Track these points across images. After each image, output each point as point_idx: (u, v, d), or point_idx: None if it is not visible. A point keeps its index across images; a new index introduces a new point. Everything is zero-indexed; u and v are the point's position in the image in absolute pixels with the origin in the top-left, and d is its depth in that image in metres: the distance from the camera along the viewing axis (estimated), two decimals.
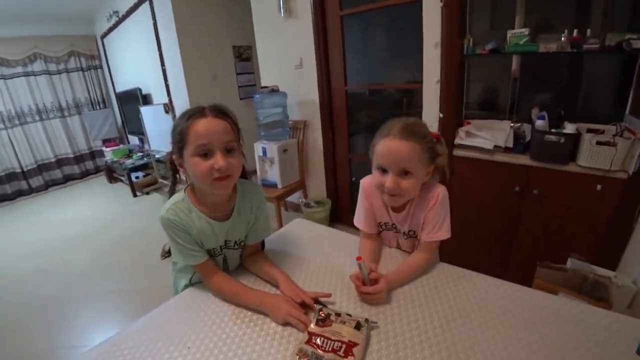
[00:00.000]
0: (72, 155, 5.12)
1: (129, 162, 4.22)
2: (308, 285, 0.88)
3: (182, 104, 3.63)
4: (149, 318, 0.84)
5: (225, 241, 0.93)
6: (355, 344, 0.63)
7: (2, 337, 1.95)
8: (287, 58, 2.55)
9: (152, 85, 4.14)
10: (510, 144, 1.62)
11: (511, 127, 1.67)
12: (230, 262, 0.99)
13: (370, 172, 0.94)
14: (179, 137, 0.79)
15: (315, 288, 0.87)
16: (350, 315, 0.70)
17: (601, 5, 1.55)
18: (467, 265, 0.93)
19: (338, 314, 0.70)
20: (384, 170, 0.85)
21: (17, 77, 4.53)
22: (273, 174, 2.61)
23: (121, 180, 4.71)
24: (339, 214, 2.73)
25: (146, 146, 4.23)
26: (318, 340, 0.64)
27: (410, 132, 0.82)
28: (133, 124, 4.57)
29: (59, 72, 4.86)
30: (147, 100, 4.25)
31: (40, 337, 1.92)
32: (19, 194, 4.70)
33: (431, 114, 1.81)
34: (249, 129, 2.83)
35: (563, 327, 0.69)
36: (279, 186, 2.60)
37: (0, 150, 4.49)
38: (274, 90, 2.54)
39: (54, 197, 4.67)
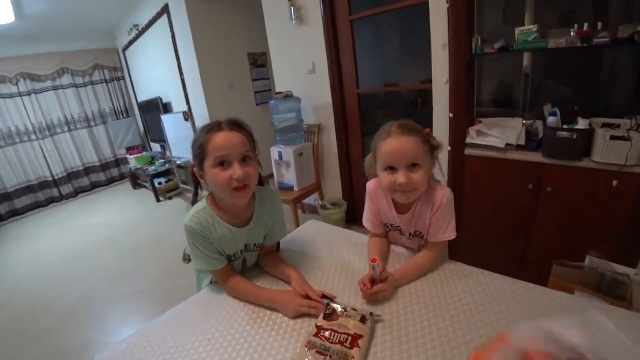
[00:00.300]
0: (98, 163, 5.38)
1: (151, 169, 4.39)
2: (318, 284, 0.93)
3: (200, 111, 3.76)
4: (172, 313, 0.91)
5: (245, 245, 0.99)
6: (360, 336, 0.67)
7: (43, 334, 2.10)
8: (300, 63, 2.61)
9: (171, 94, 4.29)
10: (522, 142, 1.61)
11: (523, 124, 1.66)
12: (248, 262, 1.05)
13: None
14: (199, 151, 0.85)
15: (325, 286, 0.91)
16: (355, 309, 0.74)
17: None
18: (482, 263, 0.95)
19: (344, 309, 0.74)
20: (392, 169, 0.87)
21: (47, 91, 4.81)
22: (289, 177, 2.67)
23: (145, 186, 4.90)
24: (355, 215, 2.76)
25: (167, 153, 4.39)
26: (326, 333, 0.69)
27: (408, 128, 0.86)
28: (154, 132, 4.75)
29: (84, 85, 5.12)
30: (167, 108, 4.41)
31: (75, 333, 2.06)
32: (50, 201, 4.98)
33: (441, 114, 1.82)
34: (266, 134, 2.92)
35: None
36: (295, 189, 2.65)
37: (33, 160, 4.78)
38: (288, 96, 2.60)
39: (83, 203, 4.91)
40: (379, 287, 0.81)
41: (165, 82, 4.28)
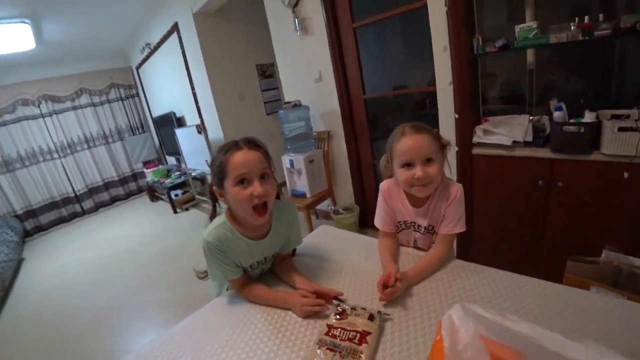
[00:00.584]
0: (117, 178, 5.57)
1: (168, 181, 4.51)
2: (331, 286, 0.95)
3: (213, 124, 3.86)
4: (192, 318, 0.96)
5: (265, 258, 1.03)
6: (368, 333, 0.70)
7: (70, 344, 2.20)
8: (307, 73, 2.66)
9: (184, 108, 4.43)
10: (530, 138, 1.61)
11: (530, 120, 1.66)
12: (265, 269, 1.10)
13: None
14: (219, 170, 0.88)
15: (335, 287, 0.94)
16: (364, 308, 0.77)
17: None
18: (495, 263, 0.95)
19: (353, 308, 0.77)
20: (408, 165, 0.94)
21: (67, 111, 5.04)
22: (301, 184, 2.72)
23: (162, 199, 5.04)
24: (368, 219, 2.78)
25: (183, 165, 4.51)
26: (336, 331, 0.72)
27: (420, 127, 0.95)
28: (169, 145, 4.89)
29: (101, 104, 5.33)
30: (181, 122, 4.55)
31: (100, 342, 2.14)
32: (73, 216, 5.19)
33: (447, 115, 1.84)
34: (277, 143, 2.98)
35: (597, 322, 0.67)
36: (308, 195, 2.70)
37: (56, 177, 5.00)
38: (297, 105, 2.66)
39: (104, 217, 5.09)
40: (392, 291, 0.83)
41: (178, 97, 4.42)
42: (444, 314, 0.58)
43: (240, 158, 0.86)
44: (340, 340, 0.69)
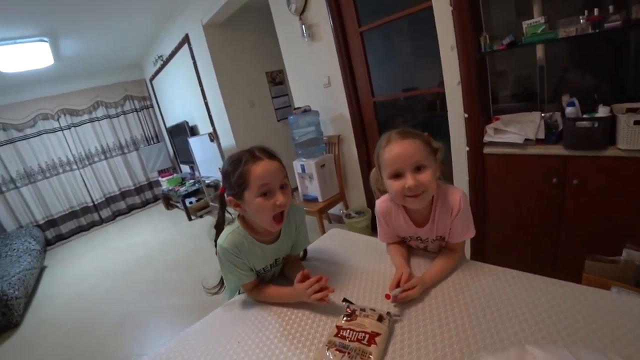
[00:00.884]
0: (133, 187, 5.71)
1: (182, 189, 4.60)
2: (341, 288, 0.96)
3: (225, 132, 3.93)
4: (205, 321, 0.98)
5: (275, 260, 1.05)
6: (377, 334, 0.70)
7: (91, 348, 2.26)
8: (316, 78, 2.68)
9: (197, 117, 4.52)
10: (542, 135, 1.58)
11: (541, 117, 1.63)
12: (276, 272, 1.11)
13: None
14: (240, 181, 0.87)
15: (345, 288, 0.95)
16: (374, 309, 0.77)
17: None
18: (511, 264, 0.93)
19: (362, 309, 0.77)
20: (398, 176, 0.85)
21: (84, 123, 5.21)
22: (313, 189, 2.73)
23: (177, 206, 5.13)
24: None
25: (196, 173, 4.59)
26: (345, 332, 0.72)
27: (407, 132, 0.87)
28: (183, 154, 4.99)
29: (117, 115, 5.49)
30: (194, 131, 4.64)
31: (119, 347, 2.19)
32: (92, 225, 5.33)
33: (456, 115, 1.82)
34: (288, 149, 3.00)
35: (617, 322, 0.66)
36: (320, 200, 2.70)
37: (75, 188, 5.16)
38: (307, 110, 2.68)
39: (121, 226, 5.21)
40: (408, 294, 0.81)
41: (191, 106, 4.51)
42: None
43: (262, 169, 0.86)
44: (349, 341, 0.69)
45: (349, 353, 0.66)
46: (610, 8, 1.32)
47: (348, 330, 0.72)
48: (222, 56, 3.63)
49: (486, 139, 1.73)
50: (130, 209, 5.71)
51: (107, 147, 5.44)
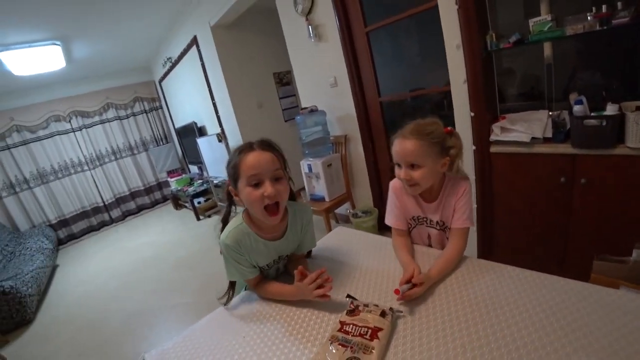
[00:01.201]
0: (142, 188, 5.79)
1: (191, 190, 4.65)
2: (346, 286, 0.97)
3: (233, 132, 3.97)
4: (211, 317, 1.00)
5: (279, 256, 1.06)
6: (380, 329, 0.70)
7: (102, 344, 2.30)
8: (322, 78, 2.70)
9: (205, 118, 4.56)
10: (550, 134, 1.56)
11: (549, 116, 1.62)
12: (280, 269, 1.13)
13: None
14: (233, 171, 0.92)
15: (349, 285, 0.96)
16: (377, 305, 0.78)
17: None
18: (519, 263, 0.93)
19: (366, 305, 0.78)
20: (398, 165, 1.00)
21: (95, 125, 5.30)
22: (320, 188, 2.74)
23: (185, 206, 5.19)
24: None
25: (205, 173, 4.64)
26: (348, 327, 0.73)
27: (417, 131, 0.96)
28: (192, 155, 5.05)
29: (127, 117, 5.58)
30: (202, 132, 4.68)
31: (129, 344, 2.23)
32: (102, 225, 5.42)
33: (463, 114, 1.82)
34: (296, 148, 3.02)
35: (624, 319, 0.66)
36: (327, 199, 2.71)
37: (86, 188, 5.25)
38: (313, 110, 2.69)
39: (131, 226, 5.29)
40: (413, 292, 0.82)
41: (199, 107, 4.56)
42: None
43: (253, 159, 0.88)
44: (352, 336, 0.70)
45: (351, 347, 0.67)
46: (619, 4, 1.31)
47: (351, 325, 0.73)
48: (230, 57, 3.67)
49: (493, 137, 1.72)
50: (140, 209, 5.80)
51: (117, 148, 5.53)
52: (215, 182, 4.37)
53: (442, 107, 2.33)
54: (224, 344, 0.84)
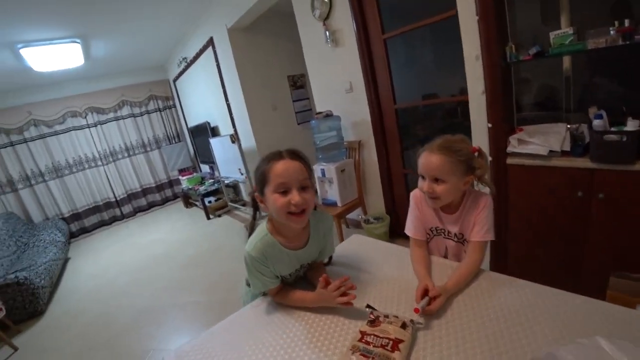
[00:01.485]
0: (154, 185, 5.87)
1: (202, 189, 4.69)
2: (363, 295, 0.97)
3: (246, 134, 4.00)
4: (229, 321, 1.01)
5: (301, 265, 1.07)
6: (401, 341, 0.71)
7: (111, 340, 2.34)
8: (338, 83, 2.71)
9: (218, 118, 4.61)
10: (568, 147, 1.55)
11: (567, 129, 1.61)
12: (300, 276, 1.13)
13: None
14: (261, 177, 0.93)
15: (368, 294, 0.97)
16: (397, 316, 0.78)
17: None
18: (533, 277, 0.93)
19: (386, 316, 0.79)
20: (422, 177, 1.02)
21: (110, 121, 5.40)
22: (332, 193, 2.75)
23: (196, 205, 5.25)
24: (399, 228, 2.75)
25: (216, 173, 4.68)
26: (369, 338, 0.74)
27: (445, 147, 0.97)
28: (204, 154, 5.10)
29: (141, 114, 5.66)
30: (215, 132, 4.73)
31: (138, 340, 2.26)
32: (113, 220, 5.51)
33: (480, 125, 1.81)
34: (308, 152, 3.03)
35: (639, 339, 0.66)
36: (339, 204, 2.72)
37: (99, 183, 5.34)
38: (328, 115, 2.70)
39: (141, 222, 5.36)
40: (435, 305, 0.83)
41: (213, 107, 4.61)
42: None
43: (282, 167, 0.90)
44: (373, 346, 0.71)
45: (373, 358, 0.68)
46: None
47: (372, 336, 0.74)
48: (245, 59, 3.71)
49: (510, 149, 1.71)
50: (151, 205, 5.87)
51: (130, 145, 5.61)
52: (226, 182, 4.41)
53: (456, 115, 2.32)
54: (244, 348, 0.85)
